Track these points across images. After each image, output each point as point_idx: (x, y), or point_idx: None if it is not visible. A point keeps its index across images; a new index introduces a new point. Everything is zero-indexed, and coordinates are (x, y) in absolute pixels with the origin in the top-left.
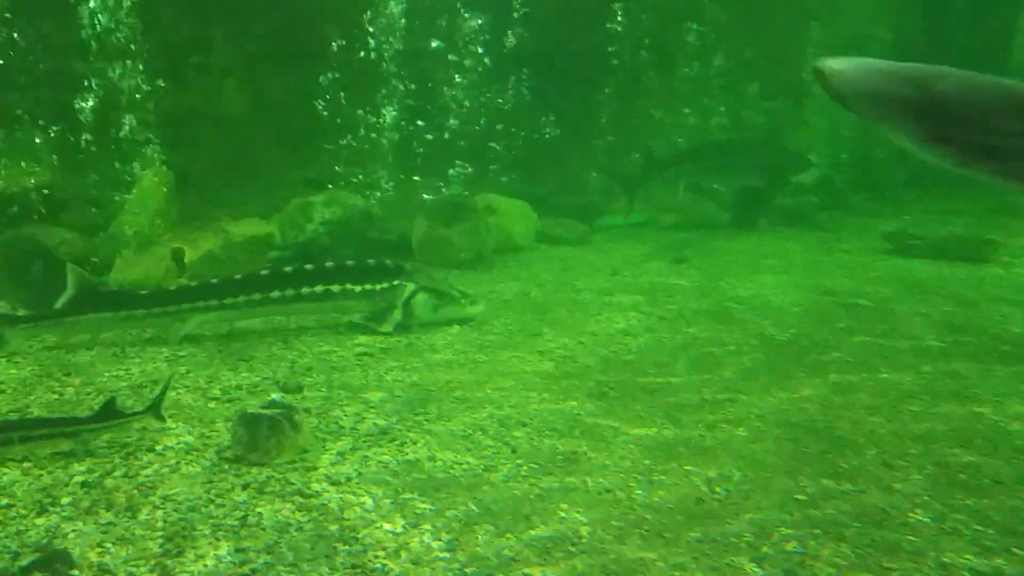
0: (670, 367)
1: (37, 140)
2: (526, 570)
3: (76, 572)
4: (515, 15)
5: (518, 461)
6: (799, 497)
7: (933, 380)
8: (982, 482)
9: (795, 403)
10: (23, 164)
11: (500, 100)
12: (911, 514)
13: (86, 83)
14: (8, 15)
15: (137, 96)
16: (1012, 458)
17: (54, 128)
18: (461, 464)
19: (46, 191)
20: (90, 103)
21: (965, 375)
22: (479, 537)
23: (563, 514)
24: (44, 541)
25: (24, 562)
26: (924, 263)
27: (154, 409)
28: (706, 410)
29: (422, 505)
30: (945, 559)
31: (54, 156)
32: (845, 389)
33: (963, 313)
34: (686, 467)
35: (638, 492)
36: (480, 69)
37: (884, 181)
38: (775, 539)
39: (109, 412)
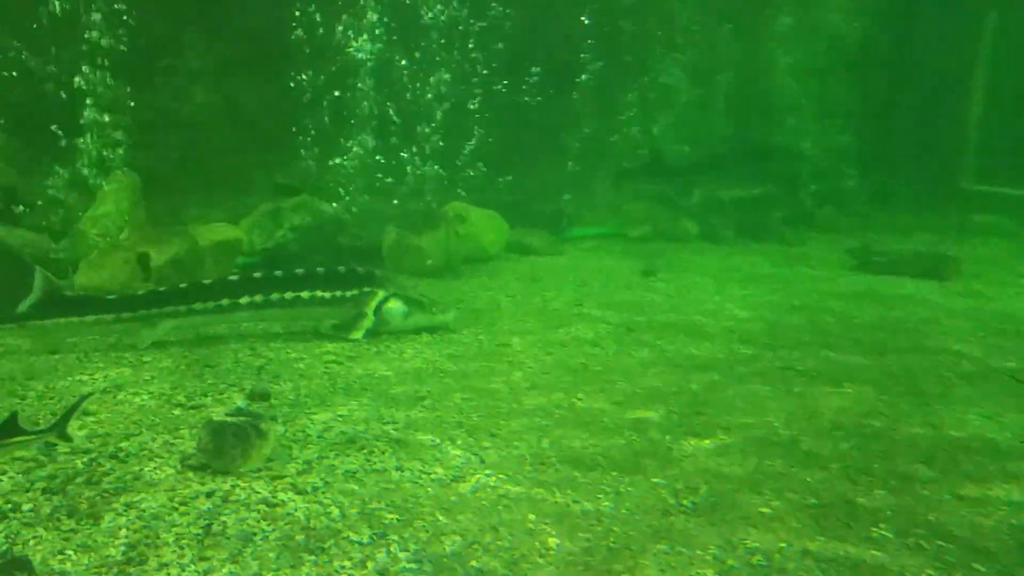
0: (638, 378)
1: (1, 140)
2: None
3: None
4: (488, 20)
5: (487, 471)
6: (763, 511)
7: (896, 396)
8: (943, 497)
9: (760, 416)
10: None
11: (472, 105)
12: (874, 529)
13: (52, 83)
14: None
15: (105, 97)
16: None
17: (18, 128)
18: (429, 474)
19: (10, 192)
20: (56, 103)
21: (925, 391)
22: (446, 548)
23: (531, 526)
24: (4, 548)
25: None
26: (886, 279)
27: (59, 427)
28: (673, 423)
29: (389, 515)
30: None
31: (18, 156)
32: (809, 403)
33: (923, 330)
34: (653, 479)
35: (605, 504)
36: (453, 75)
37: (849, 196)
38: (740, 552)
39: (10, 429)
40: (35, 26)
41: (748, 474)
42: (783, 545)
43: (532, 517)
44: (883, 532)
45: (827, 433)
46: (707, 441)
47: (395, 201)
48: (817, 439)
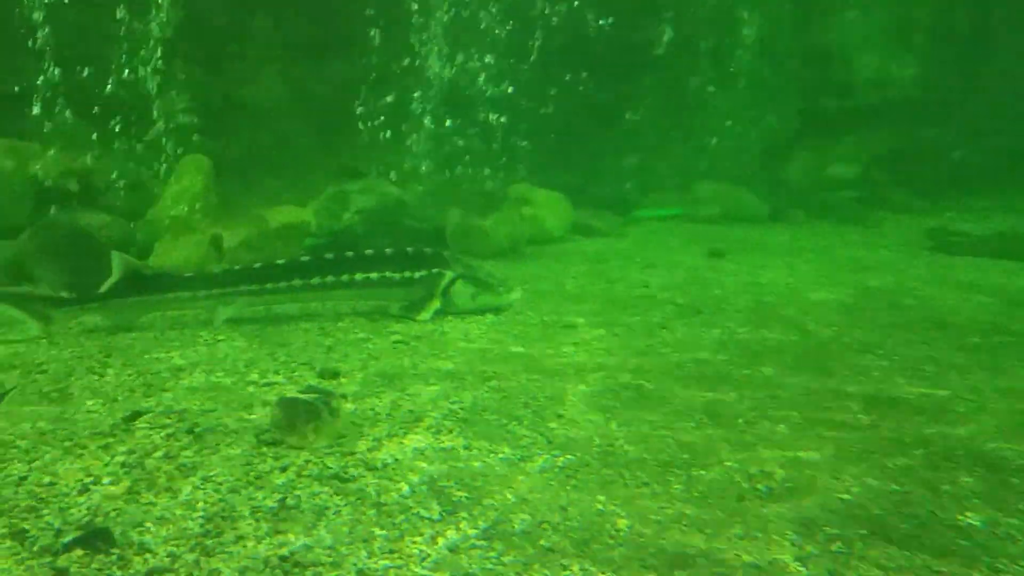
0: (708, 361)
1: (78, 125)
2: (563, 561)
3: (117, 550)
4: (547, 5)
5: (554, 452)
6: (843, 497)
7: (981, 383)
8: None
9: (838, 400)
10: (64, 149)
11: (537, 89)
12: (960, 517)
13: (127, 69)
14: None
15: (177, 83)
16: None
17: (95, 114)
18: (496, 453)
19: (86, 176)
20: (129, 89)
21: (1011, 373)
22: (515, 527)
23: (600, 507)
24: (86, 519)
25: (66, 539)
26: (967, 260)
27: None
28: (745, 406)
29: (458, 493)
30: (999, 564)
31: (94, 141)
32: (890, 387)
33: (1009, 312)
34: (726, 463)
35: (676, 487)
36: (517, 59)
37: (925, 176)
38: (819, 538)
39: None
40: (107, 12)
41: (826, 459)
42: (863, 532)
43: (601, 498)
44: (970, 520)
45: (908, 419)
46: (781, 425)
47: (459, 183)
48: (898, 425)
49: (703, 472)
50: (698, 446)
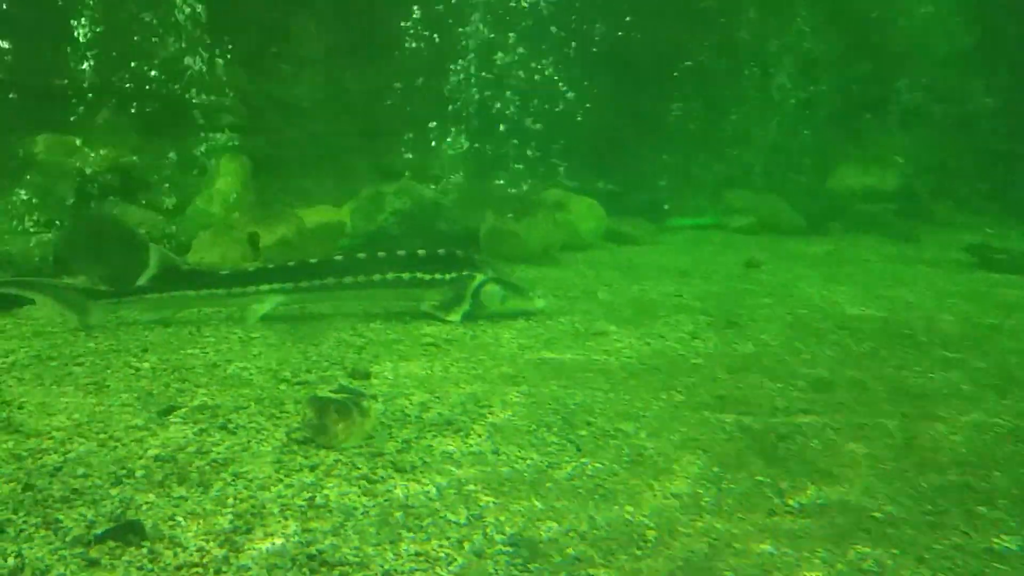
0: (740, 373)
1: (120, 122)
2: (590, 570)
3: (148, 543)
4: (586, 10)
5: (583, 460)
6: (875, 515)
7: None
8: None
9: (873, 417)
10: (106, 145)
11: (573, 95)
12: (995, 540)
13: (168, 67)
14: None
15: (218, 82)
16: None
17: (135, 110)
18: (525, 459)
19: (127, 171)
20: (172, 87)
21: None
22: (542, 534)
23: (628, 517)
24: (118, 511)
25: (99, 531)
26: (1009, 279)
27: None
28: (778, 420)
29: (485, 498)
30: None
31: (136, 138)
32: (926, 406)
33: None
34: (757, 477)
35: (706, 500)
36: (554, 64)
37: (966, 191)
38: (851, 556)
39: None
40: (149, 12)
41: (859, 477)
42: (896, 551)
43: (630, 508)
44: (1007, 544)
45: (945, 438)
46: (815, 441)
47: (494, 187)
48: (935, 443)
49: (733, 486)
50: (729, 460)
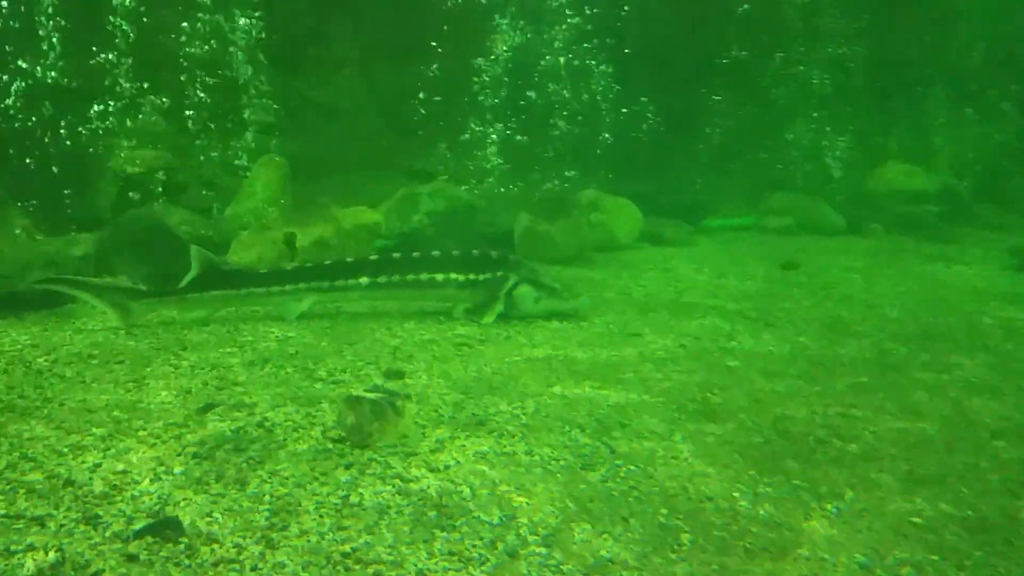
0: (777, 376)
1: (161, 124)
2: (623, 573)
3: (185, 539)
4: (621, 11)
5: (616, 462)
6: (915, 520)
7: None
8: None
9: (912, 422)
10: (147, 146)
11: (609, 97)
12: None
13: (208, 70)
14: (130, 3)
15: (256, 85)
16: None
17: (177, 112)
18: (559, 460)
19: (167, 173)
20: (211, 90)
21: None
22: (576, 535)
23: (663, 519)
24: (156, 507)
25: (137, 526)
26: None
27: None
28: (816, 423)
29: (519, 499)
30: None
31: (177, 139)
32: (966, 410)
33: None
34: (794, 481)
35: (742, 503)
36: (589, 67)
37: (1011, 192)
38: (889, 562)
39: None
40: (187, 17)
41: (898, 481)
42: (935, 558)
43: (664, 511)
44: None
45: (986, 443)
46: (853, 445)
47: (529, 188)
48: (975, 448)
49: (769, 490)
50: (764, 463)
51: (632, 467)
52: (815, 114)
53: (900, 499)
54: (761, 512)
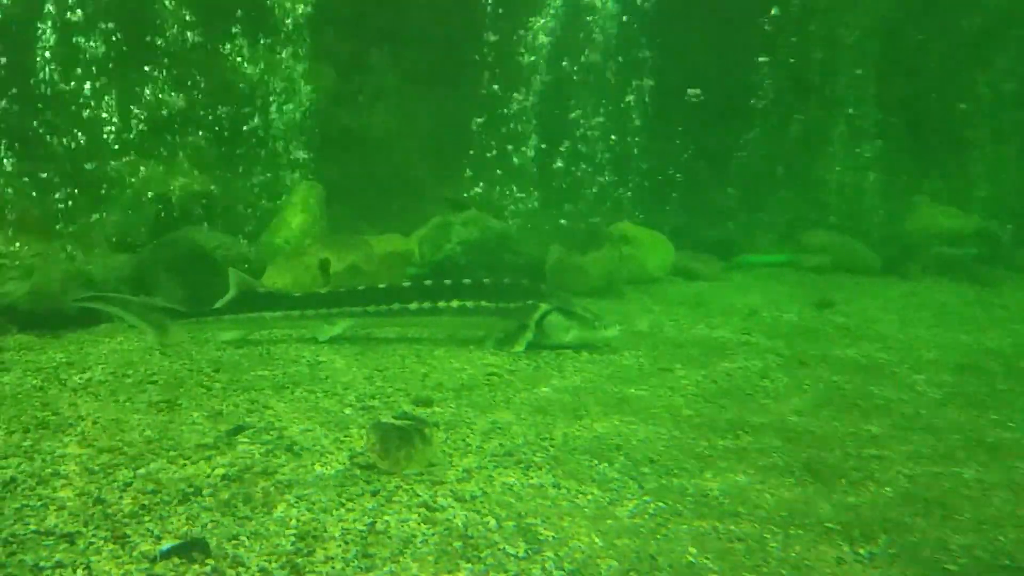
0: (811, 415)
1: (201, 148)
2: None
3: (212, 561)
4: (656, 46)
5: (645, 498)
6: (949, 568)
7: None
8: None
9: (948, 466)
10: (187, 171)
11: (645, 131)
12: None
13: (247, 96)
14: (189, 33)
15: (295, 113)
16: None
17: (217, 138)
18: (586, 494)
19: (207, 197)
20: (252, 116)
21: None
22: (601, 571)
23: (691, 559)
24: (184, 528)
25: (164, 547)
26: None
27: None
28: (849, 465)
29: (545, 532)
30: None
31: (214, 166)
32: (1004, 456)
33: None
34: (827, 524)
35: (773, 545)
36: (623, 100)
37: None
38: None
39: None
40: (231, 46)
41: (933, 526)
42: None
43: (693, 550)
44: None
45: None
46: (888, 488)
47: (562, 220)
48: (1015, 495)
49: (800, 532)
50: (797, 504)
51: (661, 504)
52: (853, 151)
53: (934, 544)
54: (792, 554)
